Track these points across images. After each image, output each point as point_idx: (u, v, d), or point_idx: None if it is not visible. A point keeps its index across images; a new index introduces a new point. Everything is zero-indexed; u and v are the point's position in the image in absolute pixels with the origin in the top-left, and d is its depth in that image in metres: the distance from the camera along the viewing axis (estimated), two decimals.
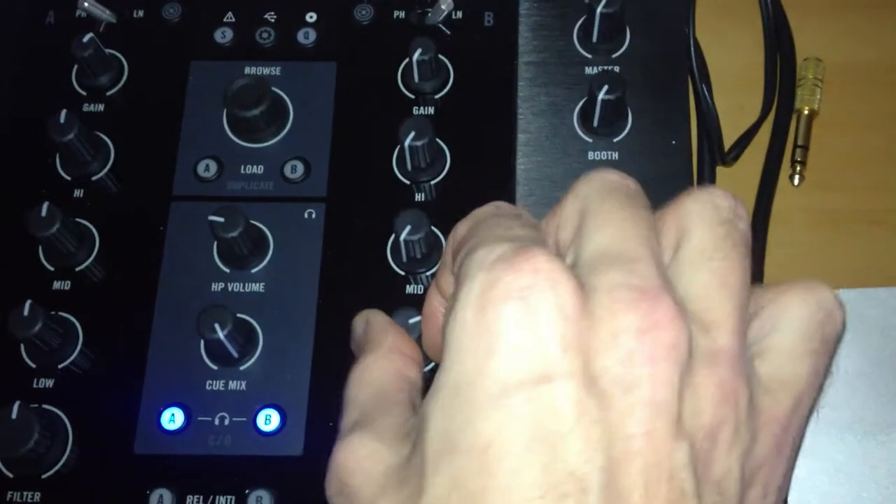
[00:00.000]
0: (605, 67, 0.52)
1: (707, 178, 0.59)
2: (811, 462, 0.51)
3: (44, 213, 0.48)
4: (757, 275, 0.57)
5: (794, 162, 0.61)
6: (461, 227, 0.31)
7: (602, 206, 0.28)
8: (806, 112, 0.62)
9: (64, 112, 0.50)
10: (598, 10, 0.50)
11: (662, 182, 0.50)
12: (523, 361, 0.25)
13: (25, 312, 0.46)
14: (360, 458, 0.30)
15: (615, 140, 0.51)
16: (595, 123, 0.50)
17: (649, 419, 0.25)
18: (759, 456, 0.27)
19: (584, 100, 0.51)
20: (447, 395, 0.26)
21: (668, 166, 0.51)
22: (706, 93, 0.56)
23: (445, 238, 0.49)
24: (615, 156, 0.51)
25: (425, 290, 0.49)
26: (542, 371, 0.25)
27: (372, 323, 0.36)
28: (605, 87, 0.48)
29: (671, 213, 0.29)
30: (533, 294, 0.25)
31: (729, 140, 0.59)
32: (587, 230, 0.28)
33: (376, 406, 0.31)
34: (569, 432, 0.24)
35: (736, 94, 0.62)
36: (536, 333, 0.25)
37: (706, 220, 0.28)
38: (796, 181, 0.61)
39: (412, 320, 0.46)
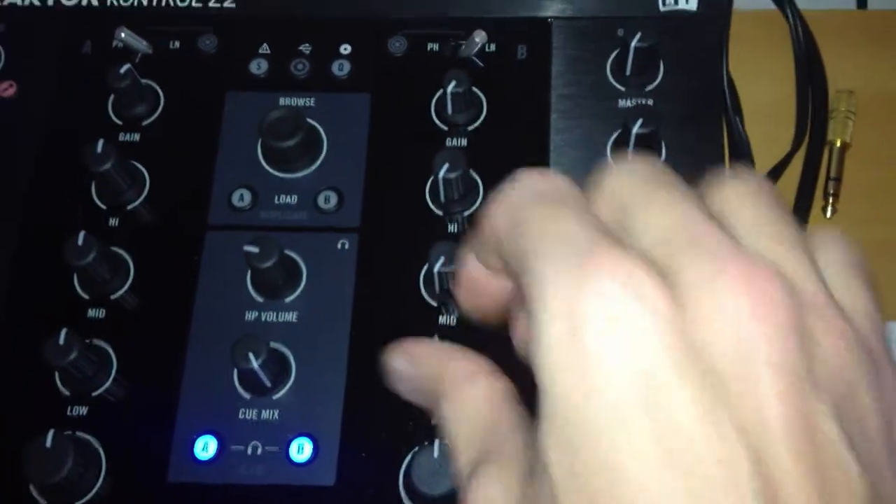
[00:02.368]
0: (639, 100, 0.52)
1: None
2: None
3: (80, 241, 0.48)
4: None
5: (826, 194, 0.61)
6: (500, 218, 0.29)
7: (646, 187, 0.27)
8: (838, 144, 0.61)
9: (101, 142, 0.50)
10: (633, 44, 0.50)
11: None
12: (629, 376, 0.24)
13: (61, 341, 0.46)
14: (493, 499, 0.28)
15: None
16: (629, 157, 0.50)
17: (777, 381, 0.23)
18: (890, 397, 0.27)
19: (617, 132, 0.51)
20: (559, 425, 0.25)
21: None
22: (739, 125, 0.56)
23: None
24: None
25: (458, 321, 0.49)
26: (652, 382, 0.24)
27: (424, 359, 0.34)
28: (640, 121, 0.48)
29: (709, 197, 0.29)
30: (623, 304, 0.24)
31: (760, 172, 0.59)
32: (638, 215, 0.26)
33: (490, 439, 0.30)
34: (699, 435, 0.23)
35: (768, 127, 0.61)
36: (635, 344, 0.24)
37: (751, 198, 0.28)
38: (829, 213, 0.60)
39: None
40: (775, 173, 0.60)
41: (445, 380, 0.32)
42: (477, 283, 0.33)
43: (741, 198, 0.28)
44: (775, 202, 0.29)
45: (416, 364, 0.34)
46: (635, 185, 0.28)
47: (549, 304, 0.25)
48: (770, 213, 0.28)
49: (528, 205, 0.28)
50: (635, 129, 0.48)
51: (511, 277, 0.29)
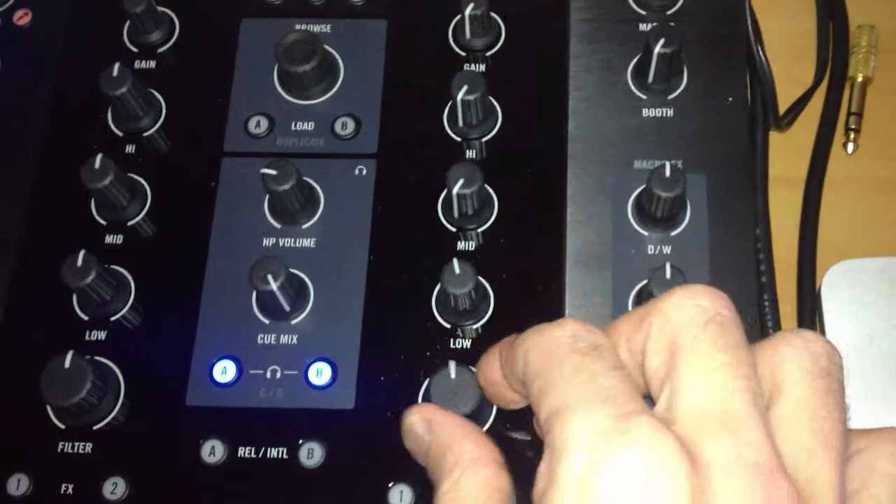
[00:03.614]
0: (661, 23, 0.51)
1: (761, 142, 0.58)
2: None
3: (97, 165, 0.48)
4: (810, 242, 0.56)
5: (847, 129, 0.60)
6: (533, 357, 0.29)
7: (697, 344, 0.27)
8: (860, 79, 0.61)
9: (117, 65, 0.50)
10: None
11: (718, 139, 0.50)
12: None
13: (79, 262, 0.46)
14: None
15: (670, 97, 0.51)
16: (650, 79, 0.50)
17: None
18: None
19: (638, 56, 0.51)
20: None
21: (724, 124, 0.50)
22: (762, 55, 0.56)
23: (497, 195, 0.49)
24: (670, 112, 0.50)
25: (476, 247, 0.49)
26: None
27: (439, 428, 0.34)
28: (662, 41, 0.48)
29: (765, 356, 0.28)
30: (644, 478, 0.24)
31: (781, 108, 0.59)
32: (683, 376, 0.27)
33: None
34: None
35: (788, 62, 0.61)
36: None
37: (805, 372, 0.28)
38: (850, 149, 0.60)
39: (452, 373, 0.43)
40: (796, 109, 0.60)
41: (452, 457, 0.32)
42: (495, 386, 0.36)
43: (796, 371, 0.28)
44: (834, 384, 0.28)
45: (431, 430, 0.34)
46: (692, 328, 0.27)
47: (572, 462, 0.25)
48: (825, 402, 0.27)
49: (565, 352, 0.29)
50: (657, 49, 0.48)
51: (534, 409, 0.29)
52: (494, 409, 0.44)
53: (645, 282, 0.46)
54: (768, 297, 0.54)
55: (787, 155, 0.59)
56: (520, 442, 0.44)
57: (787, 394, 0.27)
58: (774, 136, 0.59)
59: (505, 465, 0.33)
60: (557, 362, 0.28)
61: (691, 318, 0.28)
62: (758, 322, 0.48)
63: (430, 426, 0.35)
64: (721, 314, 0.28)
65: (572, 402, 0.26)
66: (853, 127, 0.60)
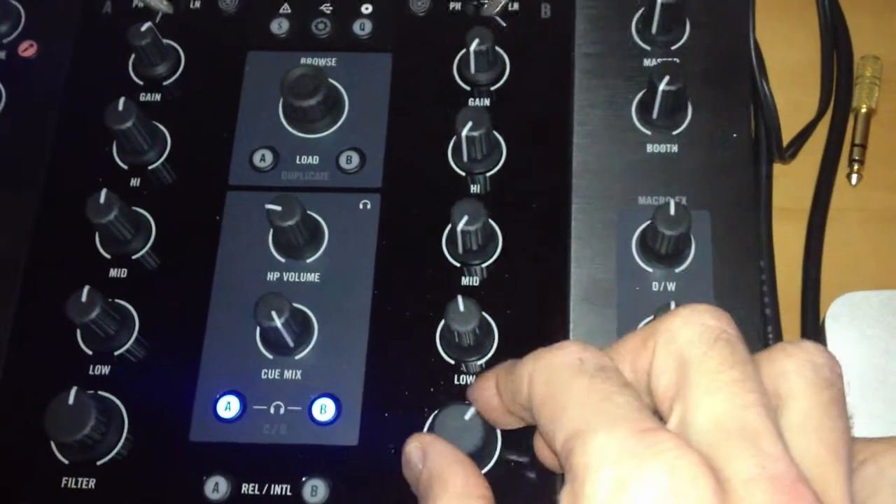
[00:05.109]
0: (665, 59, 0.52)
1: (764, 173, 0.58)
2: None
3: (102, 200, 0.48)
4: (813, 275, 0.56)
5: (851, 161, 0.60)
6: (539, 382, 0.29)
7: (707, 362, 0.27)
8: (864, 110, 0.61)
9: (122, 100, 0.50)
10: (660, 0, 0.50)
11: (723, 175, 0.50)
12: None
13: (83, 298, 0.46)
14: None
15: (674, 133, 0.51)
16: (654, 115, 0.50)
17: None
18: None
19: (642, 92, 0.51)
20: None
21: (729, 160, 0.50)
22: (766, 87, 0.56)
23: (501, 230, 0.49)
24: (674, 148, 0.50)
25: (481, 282, 0.49)
26: None
27: (432, 457, 0.34)
28: (667, 78, 0.48)
29: (767, 369, 0.28)
30: (671, 494, 0.24)
31: (784, 138, 0.59)
32: (696, 394, 0.27)
33: None
34: None
35: (792, 92, 0.61)
36: None
37: (808, 383, 0.28)
38: (854, 180, 0.60)
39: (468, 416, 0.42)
40: (799, 140, 0.60)
41: (439, 487, 0.33)
42: (492, 410, 0.36)
43: (800, 382, 0.28)
44: (837, 394, 0.28)
45: (425, 459, 0.34)
46: (700, 346, 0.28)
47: (599, 482, 0.25)
48: (830, 412, 0.28)
49: (572, 374, 0.29)
50: (662, 86, 0.48)
51: (546, 435, 0.29)
52: (500, 442, 0.44)
53: (650, 318, 0.46)
54: (772, 331, 0.54)
55: (791, 186, 0.60)
56: (526, 475, 0.44)
57: (792, 406, 0.28)
58: (777, 167, 0.59)
59: (492, 501, 0.33)
60: (566, 386, 0.28)
61: (699, 336, 0.28)
62: None
63: (425, 455, 0.35)
64: (727, 332, 0.28)
65: (592, 422, 0.26)
66: (857, 158, 0.60)
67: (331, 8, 0.55)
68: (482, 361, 0.47)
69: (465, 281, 0.49)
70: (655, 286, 0.47)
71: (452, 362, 0.47)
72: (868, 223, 0.59)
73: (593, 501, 0.25)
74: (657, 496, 0.24)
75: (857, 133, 0.61)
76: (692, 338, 0.28)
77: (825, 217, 0.58)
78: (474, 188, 0.51)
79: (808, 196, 0.59)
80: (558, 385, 0.29)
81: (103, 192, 0.48)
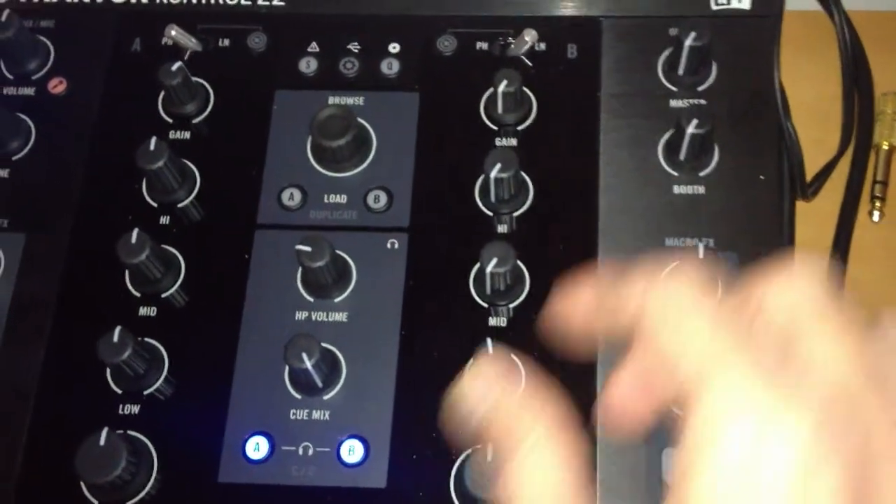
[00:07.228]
0: (692, 101, 0.52)
1: (787, 211, 0.58)
2: None
3: (133, 239, 0.48)
4: None
5: (873, 197, 0.60)
6: (656, 303, 0.28)
7: (818, 324, 0.27)
8: (885, 147, 0.61)
9: (154, 139, 0.50)
10: (687, 42, 0.50)
11: (750, 217, 0.50)
12: None
13: (115, 339, 0.46)
14: None
15: (701, 174, 0.51)
16: (682, 157, 0.50)
17: None
18: None
19: (669, 132, 0.51)
20: None
21: (756, 202, 0.50)
22: (790, 127, 0.56)
23: (528, 270, 0.49)
24: (701, 190, 0.50)
25: (508, 322, 0.49)
26: None
27: (513, 388, 0.30)
28: (695, 122, 0.48)
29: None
30: (807, 450, 0.24)
31: (806, 175, 0.59)
32: (817, 344, 0.27)
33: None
34: None
35: (813, 129, 0.61)
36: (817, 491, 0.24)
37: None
38: (875, 217, 0.60)
39: None
40: (821, 177, 0.60)
41: (513, 433, 0.29)
42: (629, 411, 0.31)
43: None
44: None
45: (501, 388, 0.30)
46: (806, 311, 0.27)
47: (734, 433, 0.24)
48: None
49: (698, 305, 0.27)
50: (690, 129, 0.48)
51: (661, 362, 0.27)
52: None
53: None
54: None
55: (813, 222, 0.60)
56: None
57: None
58: (801, 206, 0.59)
59: (570, 425, 0.29)
60: (692, 315, 0.27)
61: (809, 295, 0.27)
62: None
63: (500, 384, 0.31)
64: (829, 292, 0.28)
65: (726, 362, 0.25)
66: (879, 195, 0.60)
67: (359, 47, 0.55)
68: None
69: (492, 322, 0.49)
70: None
71: None
72: (890, 260, 0.59)
73: (727, 453, 0.24)
74: (803, 449, 0.24)
75: (878, 170, 0.61)
76: (802, 299, 0.27)
77: (847, 254, 0.58)
78: (501, 228, 0.51)
79: (830, 232, 0.59)
80: (682, 312, 0.27)
81: (135, 231, 0.48)
